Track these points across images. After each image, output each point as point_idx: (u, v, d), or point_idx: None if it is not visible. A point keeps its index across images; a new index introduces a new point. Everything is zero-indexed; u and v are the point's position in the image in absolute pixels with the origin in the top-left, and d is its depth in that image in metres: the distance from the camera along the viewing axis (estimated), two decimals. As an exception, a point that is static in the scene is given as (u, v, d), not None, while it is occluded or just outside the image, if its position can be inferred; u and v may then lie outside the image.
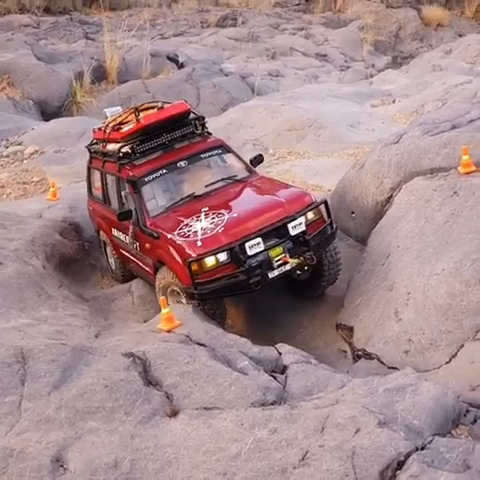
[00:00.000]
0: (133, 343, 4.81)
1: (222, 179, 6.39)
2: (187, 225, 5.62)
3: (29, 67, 15.82)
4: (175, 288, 5.67)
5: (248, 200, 6.09)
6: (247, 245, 5.35)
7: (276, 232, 5.53)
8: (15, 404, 4.18)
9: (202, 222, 5.58)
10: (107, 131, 6.80)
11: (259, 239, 5.41)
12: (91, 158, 7.49)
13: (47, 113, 15.17)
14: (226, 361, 4.50)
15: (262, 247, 5.41)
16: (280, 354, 4.72)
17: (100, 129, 7.13)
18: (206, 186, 6.26)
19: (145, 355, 4.52)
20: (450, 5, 25.07)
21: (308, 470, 3.47)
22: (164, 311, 5.04)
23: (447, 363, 4.88)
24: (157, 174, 6.27)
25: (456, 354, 4.91)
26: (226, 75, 17.80)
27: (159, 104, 6.62)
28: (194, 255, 5.30)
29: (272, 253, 5.43)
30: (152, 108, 6.65)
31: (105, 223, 7.20)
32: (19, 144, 12.37)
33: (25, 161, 11.72)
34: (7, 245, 6.84)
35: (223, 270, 5.32)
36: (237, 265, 5.31)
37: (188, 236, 5.48)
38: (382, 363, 5.25)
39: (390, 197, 6.45)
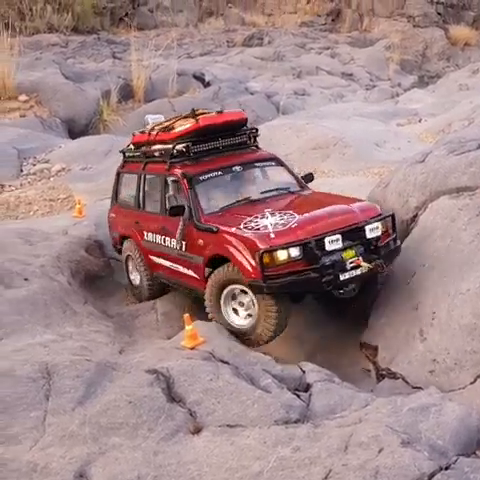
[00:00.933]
0: (157, 360, 4.84)
1: (277, 189, 6.36)
2: (252, 221, 5.47)
3: (57, 86, 16.10)
4: (236, 287, 5.46)
5: (315, 206, 5.86)
6: (327, 240, 5.23)
7: (351, 234, 5.41)
8: (40, 419, 4.22)
9: (269, 219, 5.43)
10: (153, 133, 6.72)
11: (339, 236, 5.29)
12: (124, 162, 7.48)
13: (74, 131, 15.39)
14: (249, 379, 4.50)
15: (340, 244, 5.29)
16: (303, 372, 4.71)
17: (143, 132, 7.04)
18: (261, 193, 6.24)
19: (169, 372, 4.54)
20: (478, 25, 25.03)
21: (331, 489, 3.45)
22: (188, 328, 5.07)
23: (472, 383, 4.81)
24: (212, 174, 6.22)
25: (482, 375, 4.85)
26: (251, 94, 17.96)
27: (218, 108, 6.70)
28: (267, 247, 5.10)
29: (345, 255, 5.30)
30: (201, 114, 6.58)
31: (135, 228, 7.04)
32: (46, 162, 12.56)
33: (52, 178, 11.89)
34: (33, 261, 6.94)
35: (293, 266, 5.16)
36: (309, 262, 5.17)
37: (258, 229, 5.33)
38: (406, 383, 5.20)
39: (415, 216, 6.41)
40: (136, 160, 7.15)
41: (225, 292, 5.51)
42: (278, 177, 6.66)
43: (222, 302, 5.56)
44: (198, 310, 6.06)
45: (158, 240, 6.57)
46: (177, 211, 5.96)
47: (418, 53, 23.79)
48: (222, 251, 5.50)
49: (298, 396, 4.33)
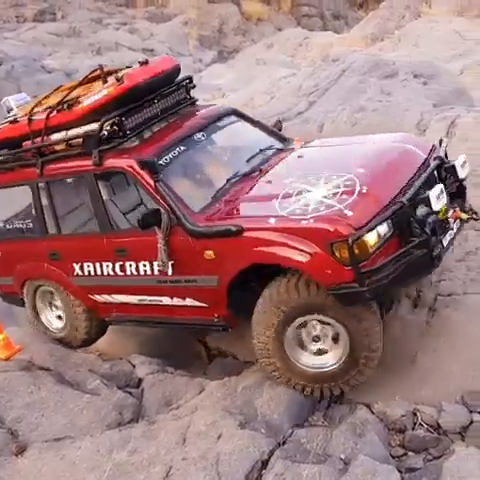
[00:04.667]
0: (-34, 378, 4.33)
1: (261, 150, 4.62)
2: (288, 201, 3.74)
3: None
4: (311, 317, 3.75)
5: (347, 158, 4.20)
6: (432, 194, 3.64)
7: (431, 178, 3.92)
8: None
9: (315, 191, 3.74)
10: (38, 117, 4.58)
11: (441, 185, 3.77)
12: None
13: None
14: (75, 383, 4.24)
15: (445, 198, 3.76)
16: (134, 366, 4.52)
17: (14, 122, 4.80)
18: (247, 161, 4.50)
19: (-19, 390, 4.09)
20: (268, 0, 26.06)
21: (173, 486, 3.33)
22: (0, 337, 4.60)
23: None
24: (174, 152, 4.32)
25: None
26: (49, 72, 16.95)
27: (140, 59, 4.63)
28: (351, 231, 3.42)
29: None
30: (109, 74, 4.55)
31: (51, 264, 4.94)
32: None
33: None
34: None
35: (387, 250, 3.52)
36: (402, 237, 3.58)
37: (317, 210, 3.58)
38: (237, 359, 5.25)
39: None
40: (18, 165, 4.94)
41: (291, 327, 3.77)
42: (247, 135, 4.95)
43: (286, 341, 3.82)
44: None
45: (110, 271, 4.57)
46: (152, 220, 3.99)
47: (215, 28, 24.19)
48: (267, 258, 3.68)
49: (130, 393, 4.15)
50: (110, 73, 4.55)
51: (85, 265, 4.70)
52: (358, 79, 8.03)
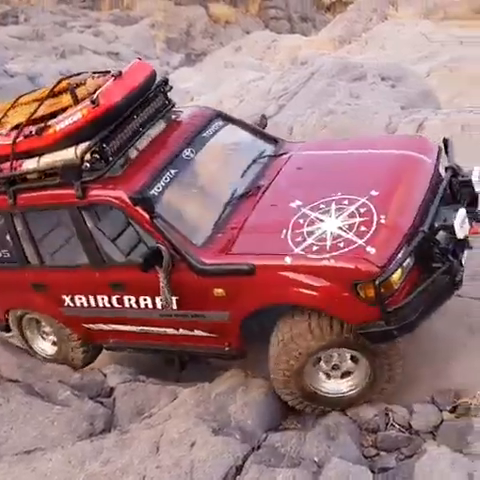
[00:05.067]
0: None
1: (253, 161, 4.34)
2: (305, 235, 3.53)
3: None
4: (336, 351, 3.67)
5: (353, 172, 3.95)
6: (456, 222, 3.45)
7: (447, 195, 3.79)
8: None
9: (328, 221, 3.55)
10: (0, 142, 4.18)
11: (464, 210, 3.57)
12: None
13: None
14: (46, 395, 4.18)
15: (467, 223, 3.59)
16: (105, 376, 4.46)
17: None
18: (242, 175, 4.21)
19: None
20: (235, 2, 26.08)
21: (147, 496, 3.30)
22: (-34, 349, 4.48)
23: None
24: (166, 178, 3.97)
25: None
26: (12, 76, 16.68)
27: (113, 71, 4.19)
28: (376, 270, 3.25)
29: None
30: (78, 86, 4.13)
31: (35, 296, 4.62)
32: None
33: None
34: None
35: (409, 282, 3.41)
36: (422, 262, 3.46)
37: (337, 247, 3.39)
38: (208, 363, 5.22)
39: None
40: None
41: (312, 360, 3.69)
42: (236, 142, 4.64)
43: (306, 373, 3.73)
44: None
45: (106, 303, 4.28)
46: (153, 261, 3.69)
47: (182, 31, 24.08)
48: (284, 299, 3.56)
49: (102, 403, 4.11)
50: (77, 85, 4.14)
51: (76, 297, 4.39)
52: (327, 82, 8.06)
